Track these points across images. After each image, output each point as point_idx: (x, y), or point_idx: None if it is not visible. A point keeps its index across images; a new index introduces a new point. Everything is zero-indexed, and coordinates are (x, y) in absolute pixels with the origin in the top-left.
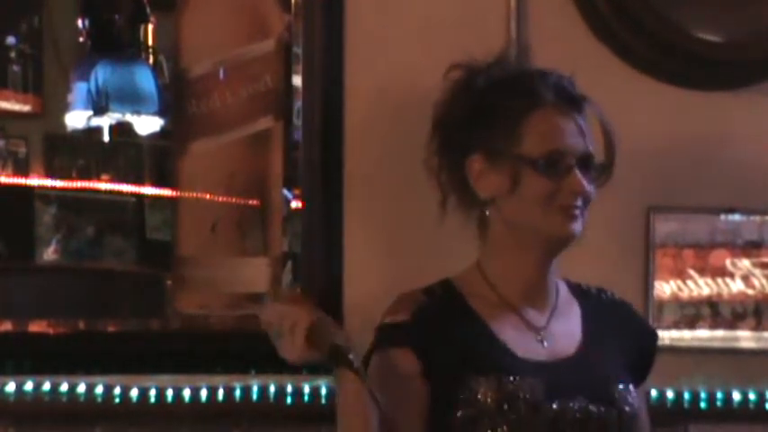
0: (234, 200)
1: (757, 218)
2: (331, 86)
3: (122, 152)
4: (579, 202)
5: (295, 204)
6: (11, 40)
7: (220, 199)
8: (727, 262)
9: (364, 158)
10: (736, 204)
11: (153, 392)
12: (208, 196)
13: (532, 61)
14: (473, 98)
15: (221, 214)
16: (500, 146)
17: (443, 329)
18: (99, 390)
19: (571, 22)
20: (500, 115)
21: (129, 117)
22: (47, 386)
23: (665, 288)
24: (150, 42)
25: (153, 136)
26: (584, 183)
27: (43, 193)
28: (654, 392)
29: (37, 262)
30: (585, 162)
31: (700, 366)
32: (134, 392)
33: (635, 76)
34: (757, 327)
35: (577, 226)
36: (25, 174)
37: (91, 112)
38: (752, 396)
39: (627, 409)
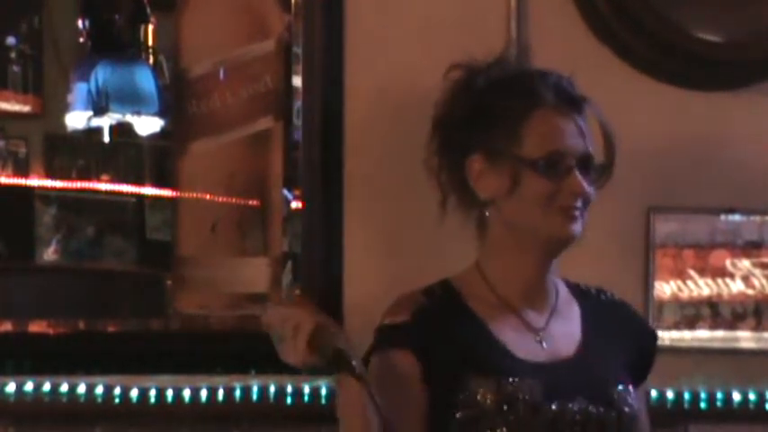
0: (234, 200)
1: (757, 218)
2: (331, 86)
3: (122, 152)
4: (579, 203)
5: (295, 204)
6: (11, 40)
7: (220, 199)
8: (728, 262)
9: (364, 158)
10: (736, 204)
11: (153, 393)
12: (208, 196)
13: (532, 61)
14: (473, 98)
15: (221, 214)
16: (500, 146)
17: (443, 330)
18: (99, 390)
19: (571, 22)
20: (500, 115)
21: (129, 117)
22: (47, 386)
23: (665, 288)
24: (150, 42)
25: (153, 136)
26: (584, 184)
27: (43, 193)
28: (654, 392)
29: (37, 262)
30: (585, 163)
31: (700, 366)
32: (134, 393)
33: (635, 76)
34: (757, 327)
35: (577, 227)
36: (25, 174)
37: (91, 113)
38: (752, 396)
39: (626, 409)
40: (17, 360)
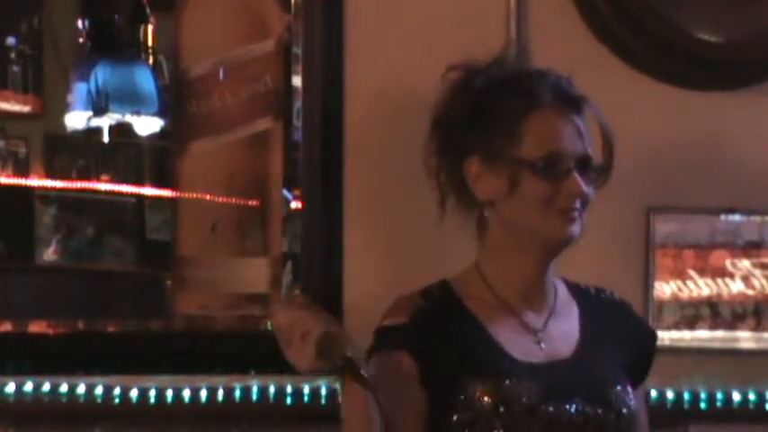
0: (234, 200)
1: (757, 218)
2: (331, 86)
3: (122, 152)
4: (578, 205)
5: (295, 204)
6: (11, 40)
7: (220, 199)
8: (727, 262)
9: (364, 158)
10: (736, 205)
11: (153, 393)
12: (208, 196)
13: (532, 61)
14: (471, 98)
15: (221, 214)
16: (498, 148)
17: (441, 332)
18: (99, 390)
19: (571, 22)
20: (498, 116)
21: (128, 117)
22: (47, 386)
23: (664, 288)
24: (150, 42)
25: (153, 136)
26: (583, 185)
27: (43, 193)
28: (654, 393)
29: (37, 262)
30: (584, 164)
31: (700, 367)
32: (134, 393)
33: (635, 76)
34: (757, 327)
35: (576, 228)
36: (25, 174)
37: (91, 113)
38: (752, 396)
39: (624, 410)
40: (17, 360)
